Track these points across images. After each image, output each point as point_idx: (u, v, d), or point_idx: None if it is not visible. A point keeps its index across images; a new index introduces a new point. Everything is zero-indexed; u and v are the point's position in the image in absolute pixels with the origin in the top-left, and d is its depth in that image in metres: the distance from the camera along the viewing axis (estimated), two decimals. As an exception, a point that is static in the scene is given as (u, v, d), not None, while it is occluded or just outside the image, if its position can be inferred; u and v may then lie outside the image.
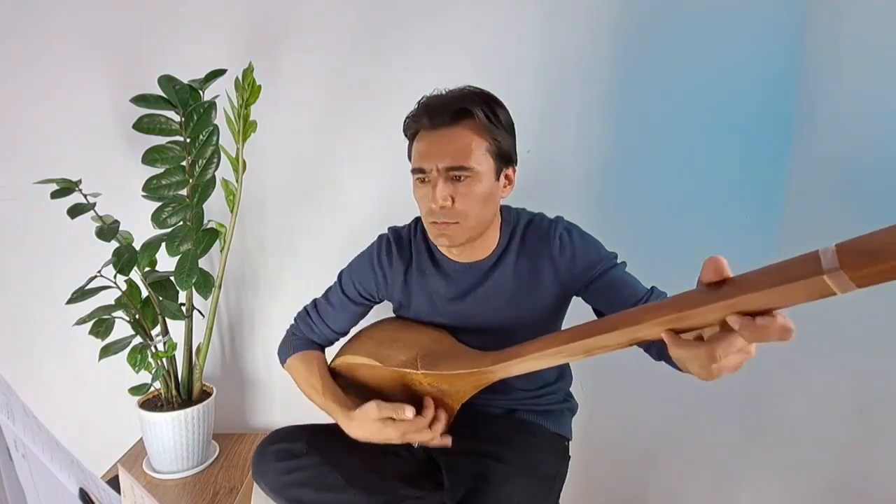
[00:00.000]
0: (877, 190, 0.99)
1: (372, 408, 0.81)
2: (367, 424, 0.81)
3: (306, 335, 0.99)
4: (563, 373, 1.02)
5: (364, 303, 0.98)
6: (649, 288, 0.85)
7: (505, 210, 0.92)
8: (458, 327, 0.92)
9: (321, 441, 0.86)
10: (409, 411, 0.79)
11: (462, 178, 0.79)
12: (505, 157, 0.83)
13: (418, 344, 0.89)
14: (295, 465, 0.82)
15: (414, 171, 0.83)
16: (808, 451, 1.17)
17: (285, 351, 0.99)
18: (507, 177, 0.86)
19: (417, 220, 0.98)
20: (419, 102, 0.84)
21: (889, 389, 0.96)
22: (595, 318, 0.89)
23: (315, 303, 1.01)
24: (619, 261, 0.89)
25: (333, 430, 0.89)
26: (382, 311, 1.02)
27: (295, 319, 1.02)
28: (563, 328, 0.97)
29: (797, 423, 1.21)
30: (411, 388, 0.88)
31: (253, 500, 0.94)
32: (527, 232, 0.90)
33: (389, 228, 0.98)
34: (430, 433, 0.81)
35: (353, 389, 0.92)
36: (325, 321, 0.98)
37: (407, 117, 0.85)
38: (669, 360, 0.75)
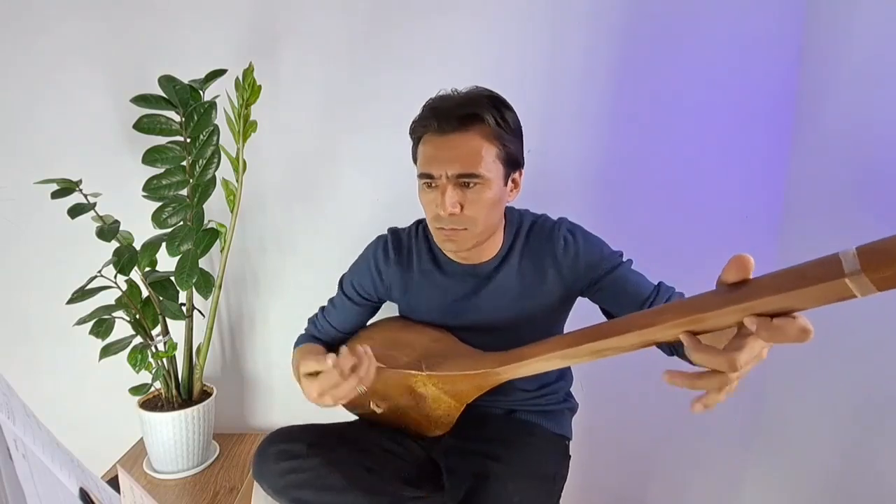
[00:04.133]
0: (877, 192, 0.99)
1: (305, 365, 0.74)
2: (305, 388, 0.75)
3: (310, 333, 1.02)
4: (563, 373, 1.02)
5: (364, 302, 0.98)
6: (656, 284, 0.85)
7: (509, 212, 0.92)
8: (461, 328, 0.92)
9: (321, 442, 0.85)
10: (329, 359, 0.70)
11: (471, 184, 0.78)
12: (513, 162, 0.82)
13: (421, 345, 0.89)
14: (295, 466, 0.82)
15: (421, 175, 0.82)
16: (808, 452, 1.17)
17: (293, 356, 1.01)
18: (514, 181, 0.85)
19: (419, 223, 0.97)
20: (426, 105, 0.83)
21: (889, 390, 0.96)
22: (603, 317, 0.90)
23: (321, 307, 1.04)
24: (624, 259, 0.89)
25: (334, 431, 0.89)
26: (388, 311, 1.03)
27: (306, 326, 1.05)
28: (566, 328, 0.98)
29: (797, 423, 1.21)
30: (415, 390, 0.88)
31: (253, 501, 0.94)
32: (530, 233, 0.90)
33: (389, 229, 0.98)
34: (349, 383, 0.72)
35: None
36: (327, 319, 1.00)
37: (414, 120, 0.84)
38: (683, 356, 0.75)
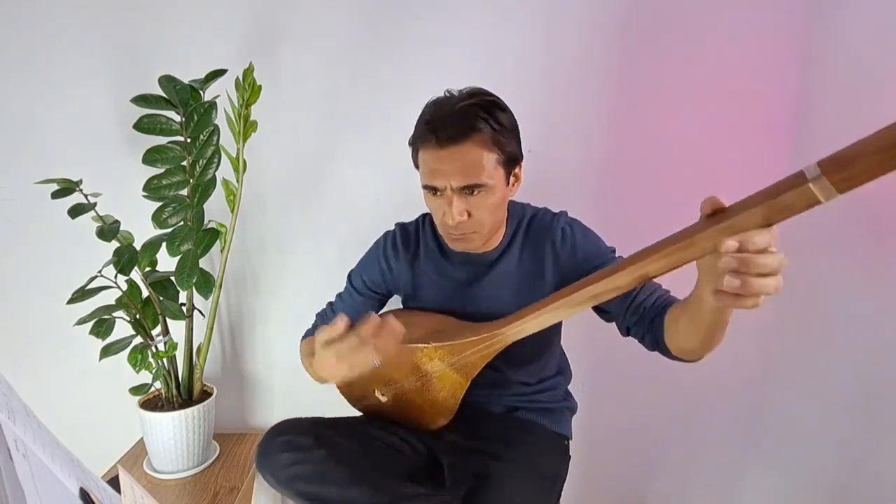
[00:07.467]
0: (878, 191, 0.99)
1: (319, 339, 0.73)
2: (321, 359, 0.73)
3: (319, 327, 1.01)
4: (562, 367, 1.03)
5: (372, 295, 1.00)
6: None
7: (511, 205, 0.95)
8: (464, 315, 0.94)
9: (327, 435, 0.86)
10: (340, 321, 0.70)
11: (476, 192, 0.80)
12: (513, 161, 0.84)
13: (426, 325, 0.92)
14: (300, 458, 0.82)
15: (425, 187, 0.84)
16: (808, 451, 1.17)
17: (302, 348, 1.00)
18: (514, 175, 0.87)
19: (424, 216, 1.00)
20: (422, 117, 0.84)
21: (889, 388, 0.96)
22: (596, 315, 0.90)
23: (329, 302, 1.05)
24: (616, 255, 0.90)
25: (340, 425, 0.90)
26: (392, 305, 1.03)
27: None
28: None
29: (797, 422, 1.21)
30: (421, 367, 0.90)
31: (254, 501, 0.94)
32: (531, 225, 0.94)
33: (396, 224, 1.01)
34: (367, 348, 0.69)
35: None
36: (336, 313, 0.99)
37: (413, 134, 0.85)
38: (665, 350, 0.78)
